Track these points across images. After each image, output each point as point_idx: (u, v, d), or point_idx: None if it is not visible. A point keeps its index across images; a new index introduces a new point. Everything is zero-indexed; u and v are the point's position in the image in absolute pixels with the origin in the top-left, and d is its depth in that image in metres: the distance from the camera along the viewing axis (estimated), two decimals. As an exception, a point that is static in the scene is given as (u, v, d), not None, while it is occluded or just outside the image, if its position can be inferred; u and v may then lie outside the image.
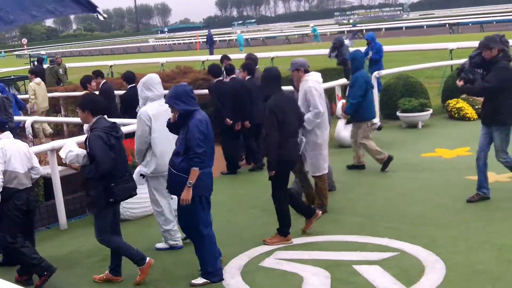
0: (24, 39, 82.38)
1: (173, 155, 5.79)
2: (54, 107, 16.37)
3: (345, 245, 6.54)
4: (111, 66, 26.55)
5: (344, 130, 11.37)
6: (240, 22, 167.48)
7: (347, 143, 11.35)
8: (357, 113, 9.29)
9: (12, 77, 25.88)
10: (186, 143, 5.59)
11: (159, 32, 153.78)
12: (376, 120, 10.42)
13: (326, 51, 17.12)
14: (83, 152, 5.86)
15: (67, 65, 25.15)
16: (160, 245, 6.93)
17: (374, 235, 6.71)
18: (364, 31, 57.30)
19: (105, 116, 6.01)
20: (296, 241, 6.79)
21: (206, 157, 5.60)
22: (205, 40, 45.97)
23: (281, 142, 6.56)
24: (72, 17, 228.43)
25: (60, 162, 7.71)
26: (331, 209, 7.75)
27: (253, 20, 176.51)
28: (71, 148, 5.91)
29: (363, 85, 9.16)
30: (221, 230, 7.32)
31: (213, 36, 44.40)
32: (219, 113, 10.04)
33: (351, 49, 14.57)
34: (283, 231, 6.83)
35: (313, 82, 7.48)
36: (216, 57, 25.02)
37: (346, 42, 15.17)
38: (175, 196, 6.01)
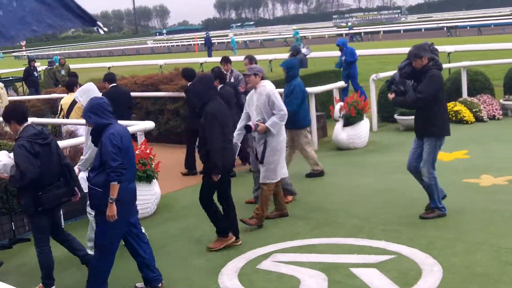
0: (23, 40, 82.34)
1: (89, 170, 5.77)
2: (52, 109, 16.33)
3: (342, 247, 6.54)
4: (109, 68, 26.57)
5: (342, 133, 11.39)
6: (239, 24, 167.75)
7: (344, 145, 11.39)
8: (296, 121, 9.03)
9: (10, 78, 25.85)
10: (101, 158, 5.48)
11: (157, 34, 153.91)
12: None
13: (326, 53, 17.24)
14: (11, 162, 5.80)
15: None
16: None
17: (371, 238, 6.70)
18: (362, 33, 57.51)
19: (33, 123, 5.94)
20: (293, 243, 6.79)
21: (124, 170, 5.42)
22: (204, 42, 46.02)
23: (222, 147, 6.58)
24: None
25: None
26: (329, 211, 7.75)
27: (251, 23, 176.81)
28: (0, 158, 5.87)
29: (300, 93, 9.03)
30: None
31: (212, 38, 44.47)
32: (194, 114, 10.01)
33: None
34: (222, 232, 6.84)
35: (272, 86, 7.49)
36: (215, 59, 25.09)
37: (303, 50, 15.17)
38: None
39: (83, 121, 6.43)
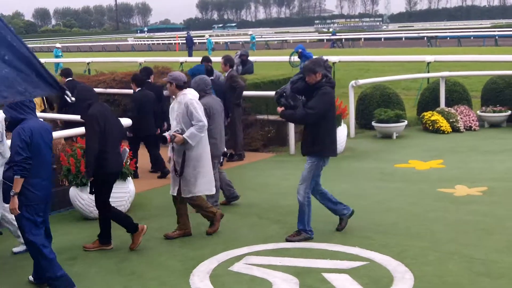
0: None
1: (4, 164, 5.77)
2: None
3: (315, 252, 6.52)
4: (88, 63, 26.34)
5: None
6: (221, 25, 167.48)
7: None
8: None
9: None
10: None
11: (138, 31, 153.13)
12: None
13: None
14: None
15: (44, 60, 24.85)
16: (17, 249, 6.82)
17: (345, 244, 6.70)
18: (343, 40, 57.79)
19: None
20: (266, 246, 6.76)
21: (28, 165, 5.38)
22: (185, 41, 45.86)
23: (104, 153, 6.51)
24: (51, 11, 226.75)
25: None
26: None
27: (233, 24, 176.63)
28: None
29: None
30: (192, 231, 7.28)
31: (193, 38, 44.33)
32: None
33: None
34: (104, 240, 6.83)
35: (193, 96, 7.14)
36: (195, 58, 25.01)
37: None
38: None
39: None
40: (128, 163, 8.17)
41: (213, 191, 7.33)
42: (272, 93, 12.15)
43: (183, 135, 6.88)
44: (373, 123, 13.10)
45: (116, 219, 6.86)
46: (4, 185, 5.64)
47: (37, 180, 5.50)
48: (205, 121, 6.97)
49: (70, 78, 11.73)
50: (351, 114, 13.16)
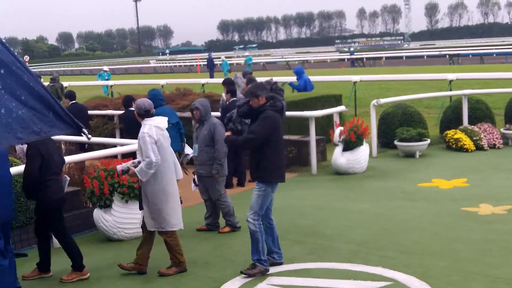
0: (26, 56, 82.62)
1: None
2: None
3: (338, 272, 6.49)
4: (111, 86, 26.63)
5: (341, 157, 11.38)
6: (242, 46, 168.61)
7: (343, 170, 11.38)
8: None
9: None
10: None
11: (160, 53, 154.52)
12: (188, 151, 9.90)
13: (326, 77, 17.19)
14: None
15: (68, 83, 25.18)
16: None
17: (368, 264, 6.66)
18: (364, 59, 57.76)
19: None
20: (289, 267, 6.74)
21: None
22: (206, 63, 46.17)
23: (46, 181, 6.54)
24: (74, 35, 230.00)
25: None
26: (325, 236, 7.71)
27: (254, 45, 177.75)
28: None
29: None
30: (214, 253, 7.29)
31: (214, 60, 44.58)
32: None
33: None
34: (77, 265, 6.79)
35: (150, 128, 6.63)
36: (217, 80, 25.14)
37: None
38: None
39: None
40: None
41: (176, 228, 6.83)
42: (293, 113, 12.27)
43: (135, 169, 6.60)
44: (396, 142, 13.04)
45: (67, 248, 6.85)
46: None
47: None
48: (153, 157, 6.46)
49: (74, 101, 12.40)
50: (373, 133, 13.12)
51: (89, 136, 4.40)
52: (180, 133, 10.14)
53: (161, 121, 6.80)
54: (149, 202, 6.67)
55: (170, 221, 6.71)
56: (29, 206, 7.86)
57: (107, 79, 32.24)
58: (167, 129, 6.87)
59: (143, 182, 6.64)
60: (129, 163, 6.83)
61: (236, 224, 8.23)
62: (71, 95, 12.66)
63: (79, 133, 4.05)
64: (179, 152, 9.63)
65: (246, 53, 68.01)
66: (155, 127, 6.65)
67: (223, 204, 8.21)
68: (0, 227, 5.59)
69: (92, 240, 8.26)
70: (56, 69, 76.95)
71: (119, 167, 6.83)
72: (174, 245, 6.78)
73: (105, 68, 32.41)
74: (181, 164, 8.42)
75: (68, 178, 7.13)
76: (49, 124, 3.38)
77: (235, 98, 10.63)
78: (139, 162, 6.68)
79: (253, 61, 53.75)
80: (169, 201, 6.70)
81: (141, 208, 6.80)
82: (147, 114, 6.72)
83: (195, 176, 8.40)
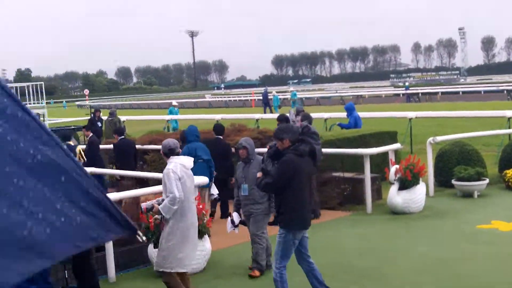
0: (86, 90, 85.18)
1: None
2: (111, 159, 16.65)
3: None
4: (168, 121, 27.06)
5: (397, 196, 11.20)
6: (296, 81, 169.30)
7: (399, 209, 11.18)
8: None
9: (72, 127, 26.62)
10: None
11: (215, 88, 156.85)
12: (214, 191, 10.44)
13: (381, 113, 17.04)
14: None
15: (126, 117, 25.76)
16: None
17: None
18: (420, 94, 57.11)
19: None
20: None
21: None
22: (261, 98, 46.38)
23: None
24: (133, 70, 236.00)
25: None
26: (381, 277, 7.55)
27: (308, 80, 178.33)
28: None
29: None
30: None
31: (269, 94, 44.66)
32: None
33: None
34: None
35: (175, 165, 6.69)
36: (271, 115, 25.28)
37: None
38: None
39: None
40: (204, 221, 8.25)
41: (188, 269, 6.88)
42: (347, 150, 12.19)
43: (159, 206, 6.65)
44: (453, 181, 12.76)
45: None
46: None
47: None
48: (176, 193, 6.49)
49: (122, 137, 13.51)
50: (429, 172, 12.87)
51: (143, 238, 4.41)
52: (210, 171, 10.18)
53: (187, 160, 6.89)
54: (164, 240, 6.63)
55: (178, 263, 6.63)
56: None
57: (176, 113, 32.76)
58: (197, 164, 6.94)
59: (166, 219, 6.62)
60: (153, 201, 6.89)
61: (264, 268, 8.00)
62: (120, 131, 13.85)
63: (134, 234, 4.04)
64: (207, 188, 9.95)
65: (291, 88, 67.61)
66: (180, 164, 6.72)
67: (259, 241, 7.99)
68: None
69: (147, 275, 8.31)
70: (114, 102, 78.98)
71: (144, 205, 6.89)
72: (171, 286, 6.65)
73: (174, 102, 32.75)
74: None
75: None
76: (106, 229, 3.43)
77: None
78: (163, 200, 6.72)
79: (308, 95, 53.66)
80: (181, 241, 6.62)
81: (155, 246, 6.75)
82: (171, 152, 6.81)
83: (233, 217, 8.31)
